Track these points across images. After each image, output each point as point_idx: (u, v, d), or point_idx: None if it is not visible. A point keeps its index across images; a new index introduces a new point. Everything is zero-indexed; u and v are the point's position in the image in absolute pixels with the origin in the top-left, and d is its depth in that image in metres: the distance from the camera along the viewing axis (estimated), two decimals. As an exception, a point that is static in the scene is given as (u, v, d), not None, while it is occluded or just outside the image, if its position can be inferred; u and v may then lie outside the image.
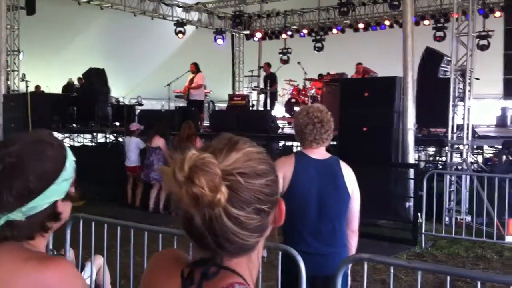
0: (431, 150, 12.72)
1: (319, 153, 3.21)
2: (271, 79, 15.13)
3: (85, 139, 16.06)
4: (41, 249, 1.38)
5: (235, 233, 1.01)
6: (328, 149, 3.33)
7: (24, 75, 14.41)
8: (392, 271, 3.10)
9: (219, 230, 1.00)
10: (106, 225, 4.11)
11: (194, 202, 0.97)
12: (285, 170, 3.09)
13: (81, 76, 15.41)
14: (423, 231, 7.54)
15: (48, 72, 18.19)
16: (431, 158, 13.08)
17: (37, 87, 16.24)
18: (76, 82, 16.70)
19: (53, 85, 16.49)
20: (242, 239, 1.02)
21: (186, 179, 0.96)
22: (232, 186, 1.00)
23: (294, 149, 13.38)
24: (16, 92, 14.21)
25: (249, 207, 1.01)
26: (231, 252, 1.04)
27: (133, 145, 10.28)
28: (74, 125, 14.56)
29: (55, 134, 13.70)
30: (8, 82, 13.95)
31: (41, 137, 1.39)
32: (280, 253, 3.18)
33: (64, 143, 1.42)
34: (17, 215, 1.28)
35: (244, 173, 1.01)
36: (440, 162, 11.61)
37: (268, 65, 15.65)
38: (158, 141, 9.86)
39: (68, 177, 1.35)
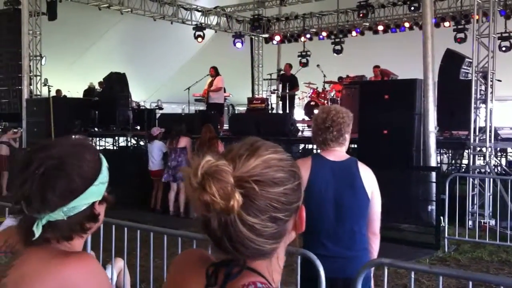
0: (454, 152, 12.55)
1: (337, 154, 3.16)
2: (291, 81, 15.05)
3: (106, 143, 16.22)
4: (78, 250, 1.43)
5: (250, 239, 1.02)
6: (348, 152, 3.29)
7: (46, 80, 14.62)
8: (413, 276, 3.04)
9: (234, 235, 1.02)
10: (126, 228, 4.13)
11: (206, 208, 1.00)
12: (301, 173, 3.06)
13: (102, 81, 15.57)
14: (446, 235, 7.44)
15: (69, 77, 18.42)
16: (453, 161, 12.93)
17: (58, 91, 16.45)
18: (97, 87, 16.88)
19: (75, 90, 16.70)
20: (257, 245, 1.03)
21: (199, 185, 0.99)
22: (247, 194, 1.01)
23: (314, 152, 13.34)
24: (38, 96, 14.42)
25: (264, 215, 1.02)
26: (249, 256, 1.06)
27: (156, 149, 10.34)
28: (96, 129, 14.71)
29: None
30: (31, 86, 14.18)
31: (79, 141, 1.49)
32: (299, 257, 3.15)
33: (98, 150, 1.50)
34: (59, 215, 1.33)
35: (260, 181, 1.02)
36: (462, 165, 11.46)
37: (290, 66, 15.55)
38: (184, 141, 9.90)
39: (105, 180, 1.42)
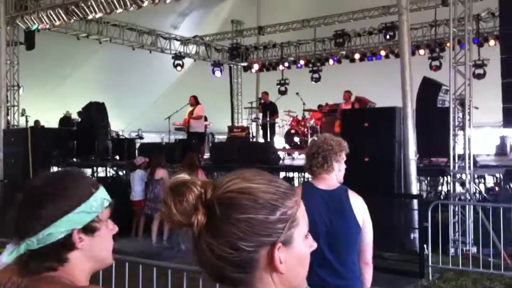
0: (433, 179, 12.68)
1: (327, 183, 3.17)
2: (270, 108, 15.17)
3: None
4: (79, 280, 1.42)
5: (211, 260, 1.04)
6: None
7: (24, 110, 14.46)
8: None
9: (200, 253, 1.05)
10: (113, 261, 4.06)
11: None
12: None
13: (81, 110, 15.45)
14: (430, 263, 7.46)
15: (47, 106, 18.23)
16: (431, 188, 13.05)
17: (37, 121, 16.27)
18: (74, 116, 16.75)
19: (53, 120, 16.52)
20: (220, 269, 1.04)
21: (163, 199, 1.06)
22: (210, 215, 1.03)
23: (296, 181, 13.36)
24: (16, 127, 14.23)
25: (222, 239, 1.02)
26: (223, 283, 1.06)
27: (137, 179, 10.28)
28: (74, 159, 14.53)
29: (55, 169, 13.67)
30: (8, 117, 14.00)
31: (67, 171, 1.51)
32: None
33: (98, 184, 1.50)
34: (34, 242, 1.35)
35: (224, 204, 1.03)
36: (442, 192, 11.58)
37: (266, 93, 15.74)
38: (160, 173, 9.85)
39: (91, 210, 1.42)
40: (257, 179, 1.07)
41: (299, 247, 1.09)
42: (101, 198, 1.47)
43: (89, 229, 1.42)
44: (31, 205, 1.37)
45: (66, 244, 1.39)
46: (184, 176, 1.07)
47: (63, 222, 1.37)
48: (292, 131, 14.35)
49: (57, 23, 13.45)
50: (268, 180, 1.08)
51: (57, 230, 1.36)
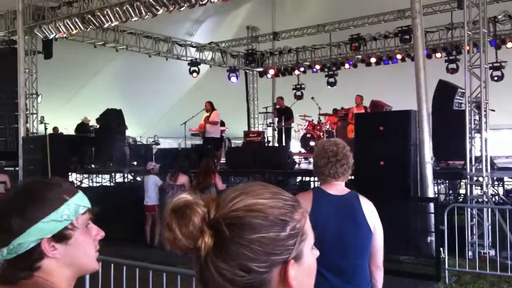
0: (450, 182, 12.57)
1: (337, 188, 3.16)
2: (286, 113, 15.18)
3: (103, 179, 16.17)
4: (60, 287, 1.42)
5: (218, 284, 0.97)
6: (346, 184, 3.29)
7: (42, 117, 14.66)
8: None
9: (208, 278, 0.99)
10: (124, 267, 4.10)
11: (172, 245, 0.99)
12: (302, 207, 3.04)
13: (99, 117, 15.63)
14: (447, 266, 7.39)
15: (65, 114, 18.46)
16: (450, 191, 12.93)
17: (55, 128, 16.48)
18: (92, 122, 16.95)
19: (71, 127, 16.73)
20: None
21: (166, 222, 0.99)
22: (218, 236, 0.97)
23: (312, 185, 13.34)
24: (35, 134, 14.44)
25: (234, 261, 0.96)
26: None
27: (151, 184, 10.34)
28: (93, 165, 14.68)
29: (74, 175, 13.80)
30: (27, 124, 14.21)
31: (40, 180, 1.49)
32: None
33: (76, 191, 1.49)
34: (3, 252, 1.36)
35: (233, 224, 0.96)
36: (460, 195, 11.46)
37: (282, 98, 15.77)
38: (183, 178, 9.90)
39: (61, 219, 1.41)
40: (263, 193, 1.02)
41: (308, 260, 1.05)
42: (75, 205, 1.45)
43: (61, 237, 1.41)
44: (1, 217, 1.38)
45: (36, 253, 1.38)
46: (186, 196, 1.01)
47: (32, 231, 1.37)
48: (308, 135, 14.35)
49: (74, 32, 13.64)
50: (274, 193, 1.03)
51: (26, 240, 1.36)
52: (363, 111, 13.25)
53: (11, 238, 1.36)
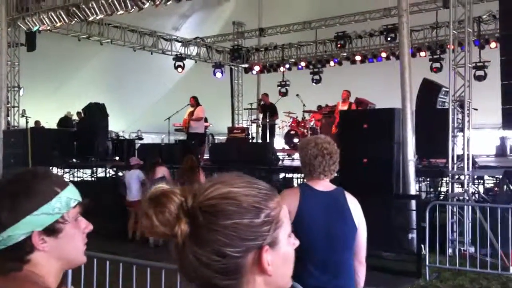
0: (432, 180, 12.70)
1: (324, 185, 3.18)
2: (270, 110, 15.19)
3: (85, 174, 16.04)
4: (47, 280, 1.41)
5: (197, 269, 1.02)
6: (330, 181, 3.31)
7: (24, 111, 14.50)
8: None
9: (185, 263, 1.03)
10: (108, 262, 4.07)
11: (149, 233, 1.03)
12: (289, 203, 3.03)
13: (80, 111, 15.49)
14: (427, 263, 7.46)
15: (48, 107, 18.29)
16: (431, 189, 13.06)
17: (37, 122, 16.31)
18: (74, 116, 16.79)
19: (53, 120, 16.56)
20: (206, 278, 1.02)
21: (143, 210, 1.03)
22: (194, 223, 1.01)
23: (295, 181, 13.37)
24: (16, 128, 14.27)
25: (209, 247, 1.00)
26: None
27: (134, 179, 10.27)
28: (74, 160, 14.55)
29: (55, 169, 13.68)
30: (8, 118, 14.04)
31: (31, 171, 1.46)
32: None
33: (67, 183, 1.47)
34: None
35: (208, 212, 1.01)
36: (441, 193, 11.58)
37: (267, 95, 15.78)
38: (161, 170, 9.85)
39: (52, 212, 1.40)
40: (238, 182, 1.06)
41: (284, 247, 1.07)
42: (67, 198, 1.44)
43: (52, 230, 1.40)
44: None
45: (26, 246, 1.37)
46: (162, 185, 1.05)
47: (22, 224, 1.36)
48: (292, 132, 14.37)
49: (58, 24, 13.50)
50: (248, 183, 1.07)
51: (16, 233, 1.35)
52: (346, 106, 13.32)
53: (1, 230, 1.34)
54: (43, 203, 1.39)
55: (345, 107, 13.36)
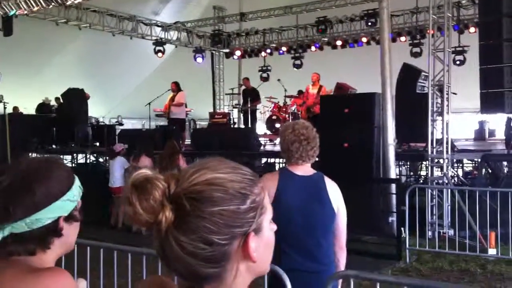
0: (412, 164, 12.83)
1: (304, 169, 3.20)
2: (252, 95, 15.15)
3: (65, 160, 15.88)
4: (51, 266, 1.45)
5: (182, 258, 0.98)
6: (311, 165, 3.32)
7: (2, 96, 14.23)
8: (378, 287, 3.08)
9: (169, 252, 0.99)
10: (88, 248, 4.05)
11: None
12: (268, 187, 3.05)
13: (59, 96, 15.28)
14: (407, 246, 7.57)
15: (26, 93, 18.01)
16: (411, 173, 13.20)
17: (16, 108, 16.07)
18: (53, 102, 16.56)
19: (32, 106, 16.33)
20: (192, 266, 0.99)
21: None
22: (179, 211, 0.98)
23: (277, 166, 13.41)
24: (-7, 114, 14.03)
25: (195, 235, 0.97)
26: (192, 279, 1.02)
27: (117, 165, 10.22)
28: (54, 146, 14.39)
29: (34, 156, 13.50)
30: (-14, 104, 13.78)
31: (50, 159, 1.53)
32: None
33: (73, 172, 1.53)
34: (21, 226, 1.36)
35: (194, 199, 0.97)
36: (421, 177, 11.71)
37: (248, 79, 15.74)
38: (145, 161, 9.80)
39: (74, 198, 1.46)
40: (222, 168, 1.03)
41: (267, 233, 1.07)
42: (79, 186, 1.50)
43: (70, 217, 1.46)
44: (20, 190, 1.37)
45: (53, 230, 1.41)
46: (145, 171, 1.01)
47: (52, 208, 1.39)
48: (274, 117, 14.37)
49: (35, 8, 13.26)
50: (233, 168, 1.04)
51: (45, 216, 1.38)
52: (316, 89, 13.45)
53: (31, 212, 1.37)
54: (67, 190, 1.45)
55: (315, 90, 13.47)
